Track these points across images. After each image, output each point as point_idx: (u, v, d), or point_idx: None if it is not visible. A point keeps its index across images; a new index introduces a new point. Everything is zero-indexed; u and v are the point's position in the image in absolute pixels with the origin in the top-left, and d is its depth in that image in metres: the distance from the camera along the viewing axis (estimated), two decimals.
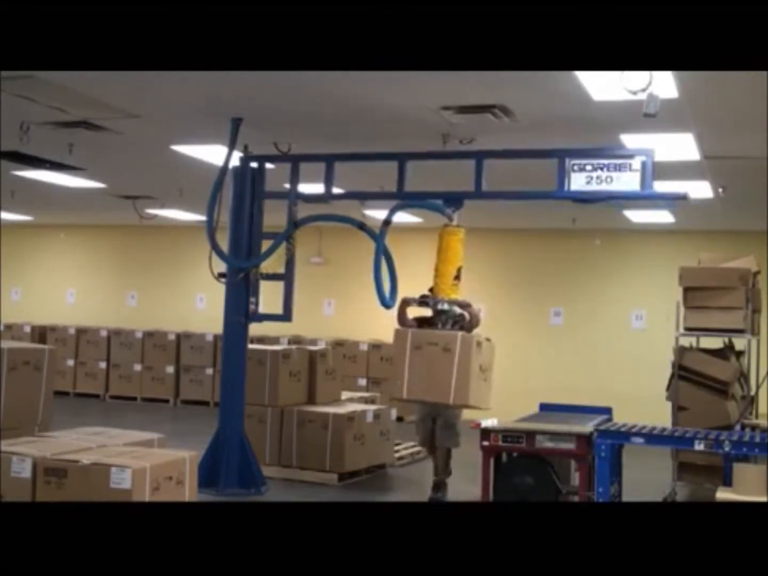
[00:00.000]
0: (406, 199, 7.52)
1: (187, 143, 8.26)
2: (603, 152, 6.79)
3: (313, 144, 7.66)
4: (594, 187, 6.72)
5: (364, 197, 8.31)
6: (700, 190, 9.42)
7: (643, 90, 4.95)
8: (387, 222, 7.09)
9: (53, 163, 9.39)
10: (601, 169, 6.72)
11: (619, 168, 6.69)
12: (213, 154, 8.13)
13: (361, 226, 7.41)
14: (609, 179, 6.70)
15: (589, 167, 6.74)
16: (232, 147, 7.29)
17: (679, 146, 7.40)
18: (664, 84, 5.28)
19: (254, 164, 7.80)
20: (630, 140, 7.28)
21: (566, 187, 6.79)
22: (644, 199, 6.89)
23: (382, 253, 7.08)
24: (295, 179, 7.69)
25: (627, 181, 6.67)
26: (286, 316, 7.93)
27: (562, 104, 6.29)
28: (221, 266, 7.84)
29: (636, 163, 6.65)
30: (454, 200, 7.01)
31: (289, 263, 7.84)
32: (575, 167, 6.76)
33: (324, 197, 7.75)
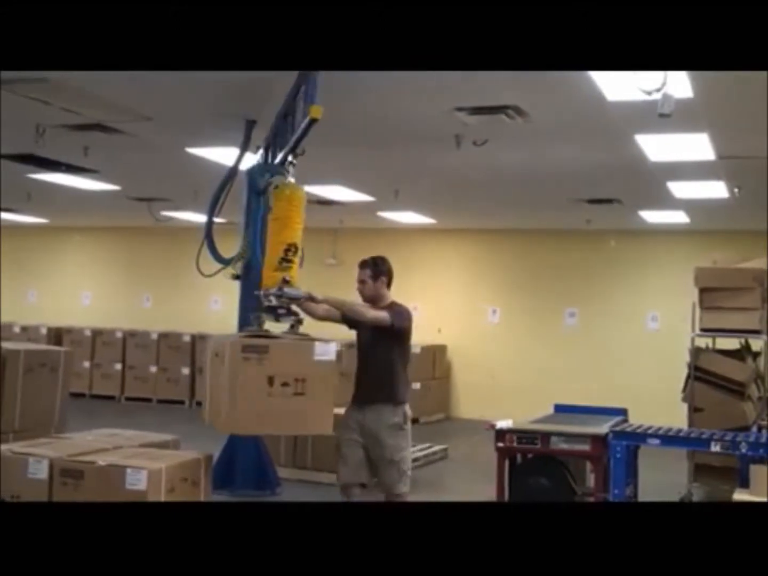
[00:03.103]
0: None
1: (202, 145, 8.28)
2: None
3: (328, 147, 7.66)
4: None
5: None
6: (716, 190, 9.40)
7: (658, 90, 4.93)
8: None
9: (68, 165, 9.45)
10: None
11: None
12: (228, 156, 8.14)
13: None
14: None
15: None
16: (244, 149, 7.30)
17: (694, 146, 7.39)
18: (678, 84, 5.27)
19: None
20: (644, 141, 7.27)
21: None
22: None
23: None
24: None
25: None
26: None
27: (576, 105, 6.28)
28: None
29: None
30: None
31: None
32: None
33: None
